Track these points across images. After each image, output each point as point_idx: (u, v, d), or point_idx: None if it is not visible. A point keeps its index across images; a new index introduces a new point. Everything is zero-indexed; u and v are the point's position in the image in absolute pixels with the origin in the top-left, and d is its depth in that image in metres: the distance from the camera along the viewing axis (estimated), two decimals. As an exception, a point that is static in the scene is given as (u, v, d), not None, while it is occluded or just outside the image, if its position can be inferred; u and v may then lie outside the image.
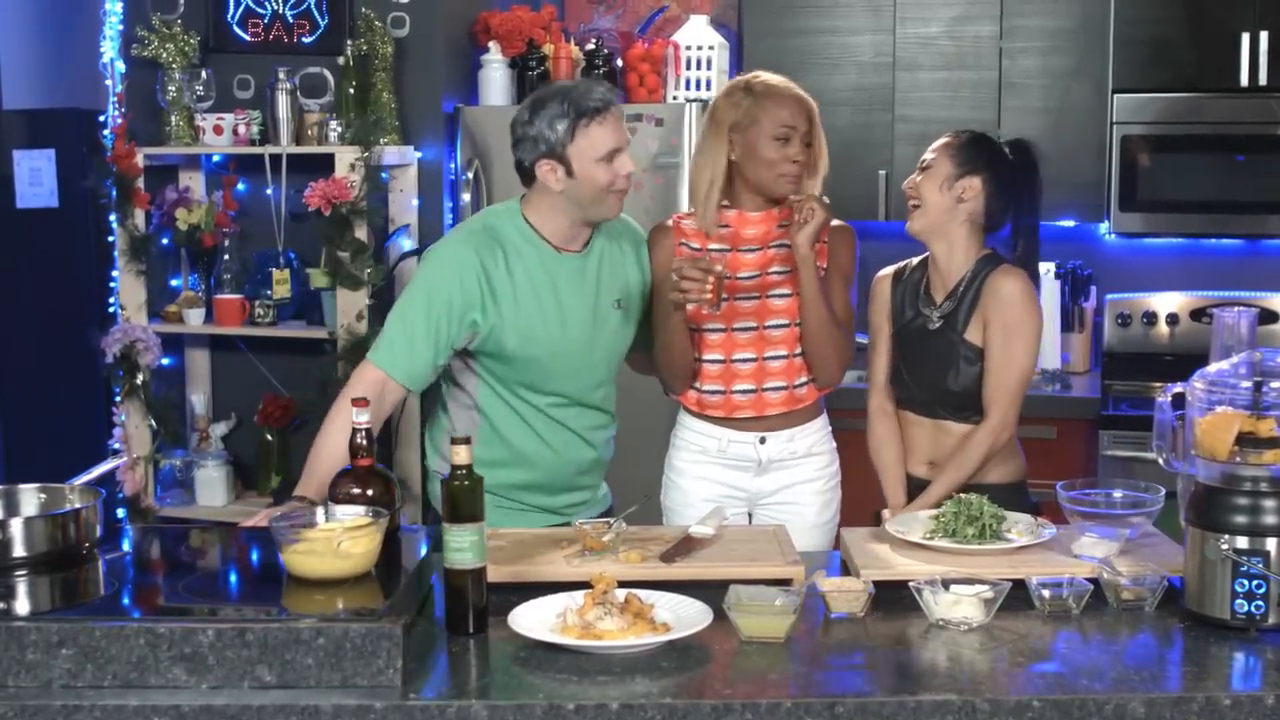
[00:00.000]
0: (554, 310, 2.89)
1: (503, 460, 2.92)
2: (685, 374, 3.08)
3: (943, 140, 2.98)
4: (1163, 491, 2.60)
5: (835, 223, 3.11)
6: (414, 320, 2.83)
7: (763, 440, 3.09)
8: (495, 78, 4.69)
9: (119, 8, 4.61)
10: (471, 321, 2.84)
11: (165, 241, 4.71)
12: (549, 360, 2.90)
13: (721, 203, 3.08)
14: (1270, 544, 2.18)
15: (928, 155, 2.97)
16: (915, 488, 2.97)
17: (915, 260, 3.06)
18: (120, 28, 4.60)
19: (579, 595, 2.24)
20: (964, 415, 2.93)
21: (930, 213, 2.93)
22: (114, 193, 4.58)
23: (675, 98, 4.65)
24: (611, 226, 3.02)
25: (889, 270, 3.09)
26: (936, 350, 2.94)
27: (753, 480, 3.12)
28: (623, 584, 2.27)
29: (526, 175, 2.89)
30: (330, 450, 2.71)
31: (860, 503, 3.18)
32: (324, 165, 4.42)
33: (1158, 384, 2.61)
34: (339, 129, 4.45)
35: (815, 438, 3.15)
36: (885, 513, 2.90)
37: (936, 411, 2.96)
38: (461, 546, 2.19)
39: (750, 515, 3.14)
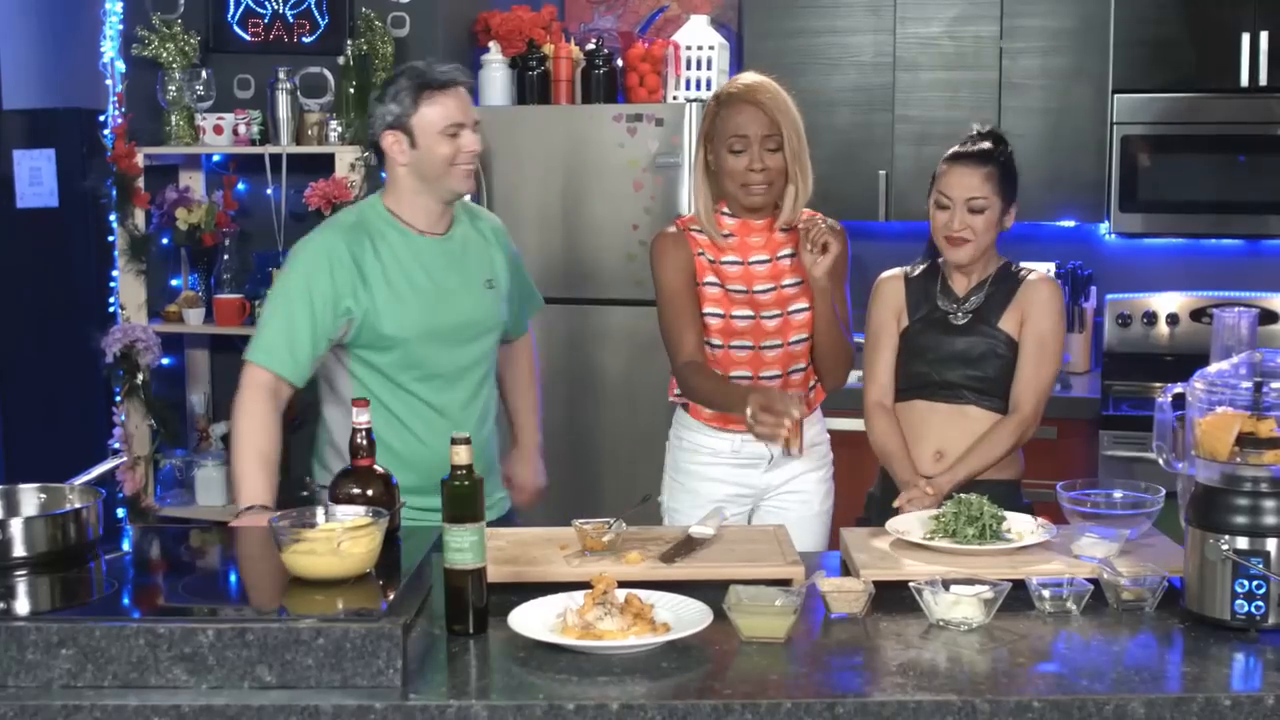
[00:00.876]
0: (425, 290, 2.93)
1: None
2: None
3: (973, 171, 2.91)
4: (1163, 492, 2.60)
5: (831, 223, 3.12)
6: (292, 314, 2.86)
7: None
8: (495, 78, 4.69)
9: (119, 7, 4.61)
10: (346, 309, 2.87)
11: (165, 241, 4.72)
12: (426, 339, 2.92)
13: (722, 210, 3.07)
14: (1270, 544, 2.18)
15: (975, 200, 2.90)
16: None
17: (923, 265, 3.07)
18: (120, 27, 4.61)
19: (579, 595, 2.24)
20: (989, 401, 2.95)
21: (982, 244, 2.95)
22: (114, 192, 4.58)
23: (675, 98, 4.65)
24: (472, 213, 3.10)
25: (896, 272, 3.10)
26: (967, 341, 2.96)
27: (763, 476, 3.12)
28: (623, 584, 2.27)
29: (378, 152, 2.97)
30: (256, 452, 2.80)
31: (850, 501, 3.18)
32: (324, 165, 4.42)
33: (1158, 384, 2.61)
34: (339, 129, 4.45)
35: (817, 428, 3.18)
36: (902, 498, 2.83)
37: (963, 396, 2.96)
38: (461, 547, 2.19)
39: (752, 513, 3.15)
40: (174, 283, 4.85)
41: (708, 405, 3.05)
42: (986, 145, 2.96)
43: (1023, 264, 3.06)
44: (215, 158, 4.74)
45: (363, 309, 2.88)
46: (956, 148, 2.98)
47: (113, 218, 4.62)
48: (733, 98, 2.99)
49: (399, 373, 2.94)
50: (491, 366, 3.10)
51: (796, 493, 3.13)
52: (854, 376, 3.20)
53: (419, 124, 2.89)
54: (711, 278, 3.06)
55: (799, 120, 3.00)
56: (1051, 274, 4.56)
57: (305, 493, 3.11)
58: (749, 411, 2.76)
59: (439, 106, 2.89)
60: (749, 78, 3.04)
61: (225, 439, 4.78)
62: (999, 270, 3.02)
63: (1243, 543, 2.19)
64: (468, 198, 3.11)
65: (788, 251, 3.06)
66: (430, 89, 2.89)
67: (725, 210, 3.07)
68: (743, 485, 3.12)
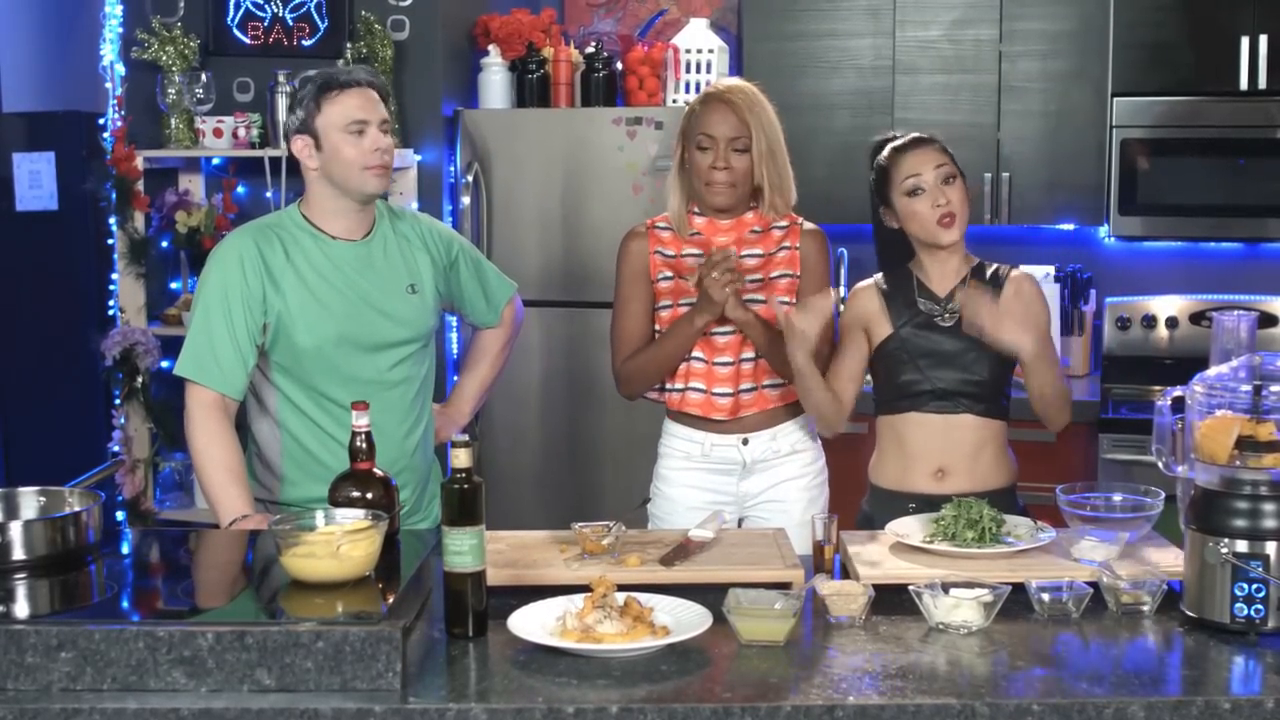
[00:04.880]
0: (340, 296, 2.88)
1: (309, 474, 2.88)
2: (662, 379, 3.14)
3: (928, 147, 2.93)
4: (1162, 495, 2.60)
5: (807, 227, 3.13)
6: (210, 321, 2.82)
7: (745, 442, 3.10)
8: (495, 81, 4.70)
9: (119, 10, 4.61)
10: (262, 310, 2.83)
11: (165, 244, 4.72)
12: (341, 346, 2.87)
13: (693, 209, 3.10)
14: (1270, 548, 2.18)
15: (942, 166, 2.91)
16: (923, 507, 2.84)
17: (893, 272, 3.04)
18: (120, 30, 4.61)
19: (578, 598, 2.24)
20: (983, 407, 2.91)
21: (965, 220, 2.93)
22: (114, 196, 4.58)
23: (675, 101, 4.65)
24: (395, 215, 3.04)
25: (868, 282, 3.05)
26: (957, 342, 2.91)
27: (739, 484, 3.12)
28: (622, 587, 2.27)
29: (294, 160, 2.92)
30: (220, 467, 2.76)
31: (851, 508, 3.16)
32: (324, 168, 4.41)
33: (1157, 387, 2.60)
34: (339, 132, 4.45)
35: (797, 435, 3.16)
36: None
37: (959, 405, 2.90)
38: (461, 550, 2.19)
39: (740, 521, 3.15)
40: (173, 285, 4.85)
41: (664, 362, 3.08)
42: (917, 134, 2.98)
43: (995, 263, 3.01)
44: (215, 161, 4.74)
45: (275, 313, 2.84)
46: (891, 145, 3.00)
47: (112, 221, 4.62)
48: (709, 97, 3.05)
49: (318, 381, 2.88)
50: (419, 375, 3.01)
51: (777, 501, 3.13)
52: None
53: (323, 125, 2.84)
54: (666, 272, 3.10)
55: (774, 124, 3.04)
56: (1050, 277, 4.60)
57: None
58: (699, 281, 2.91)
59: (340, 105, 2.84)
60: (730, 80, 3.12)
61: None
62: (973, 270, 2.98)
63: (1242, 546, 2.19)
64: (414, 203, 3.07)
65: (755, 252, 3.07)
66: (332, 89, 2.85)
67: (695, 210, 3.11)
68: (719, 492, 3.12)
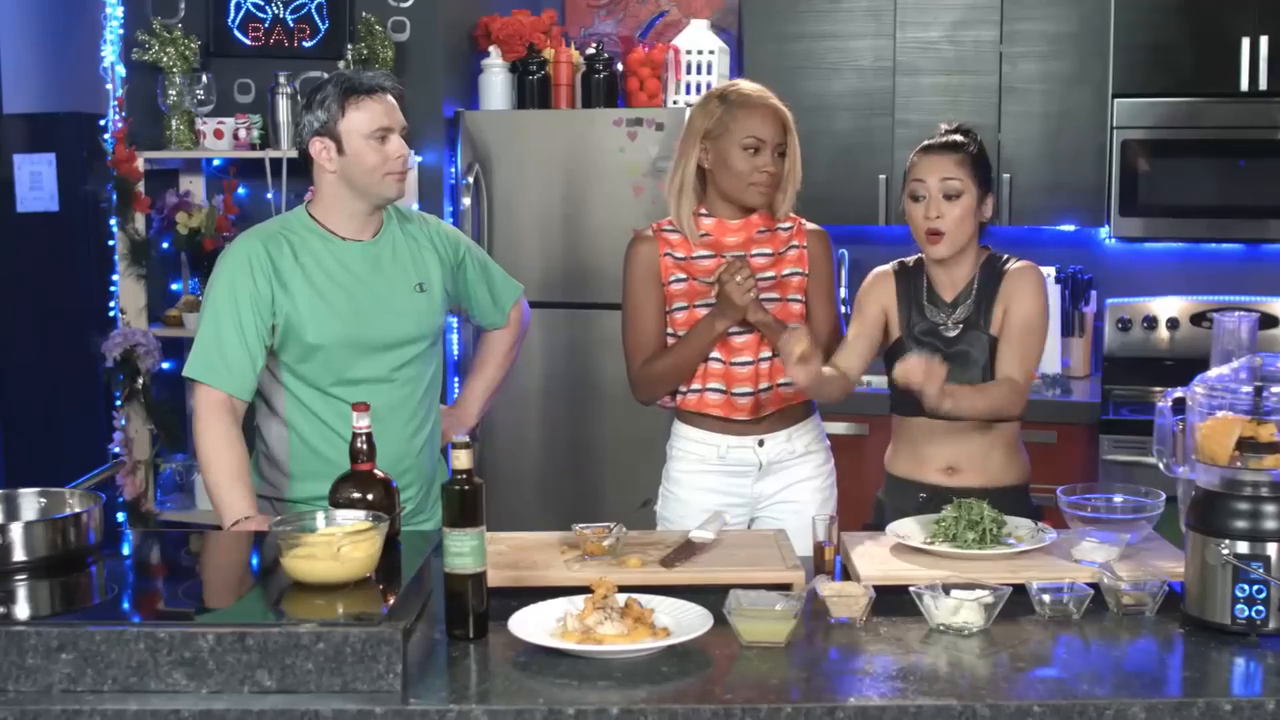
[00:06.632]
0: (348, 295, 2.89)
1: (315, 472, 2.88)
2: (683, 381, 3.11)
3: (945, 156, 2.89)
4: (1163, 496, 2.60)
5: (810, 226, 3.13)
6: (219, 323, 2.83)
7: (761, 443, 3.09)
8: (496, 82, 4.70)
9: (120, 12, 4.61)
10: (271, 312, 2.84)
11: (166, 245, 4.73)
12: (349, 345, 2.88)
13: (700, 211, 3.09)
14: (1271, 549, 2.18)
15: (949, 180, 2.87)
16: (933, 496, 2.87)
17: (911, 260, 3.04)
18: (121, 32, 4.61)
19: (579, 600, 2.24)
20: None
21: (959, 239, 2.89)
22: (114, 197, 4.59)
23: (675, 102, 4.65)
24: (403, 216, 3.05)
25: (888, 267, 3.04)
26: (963, 353, 2.91)
27: (754, 485, 3.12)
28: (623, 588, 2.27)
29: (306, 160, 2.92)
30: (224, 469, 2.77)
31: (855, 507, 3.17)
32: (324, 169, 4.41)
33: (1158, 389, 2.61)
34: (339, 133, 4.45)
35: (811, 435, 3.17)
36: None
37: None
38: (462, 551, 2.19)
39: (751, 522, 3.14)
40: (174, 287, 4.86)
41: (684, 366, 3.07)
42: (956, 137, 2.93)
43: (1007, 255, 2.98)
44: (215, 162, 4.74)
45: (284, 314, 2.85)
46: (925, 142, 2.96)
47: (113, 222, 4.62)
48: (749, 99, 3.02)
49: (326, 380, 2.89)
50: (426, 374, 3.02)
51: (790, 502, 3.12)
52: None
53: (346, 130, 2.84)
54: (679, 274, 3.09)
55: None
56: (1051, 278, 4.59)
57: None
58: (715, 291, 2.96)
59: (365, 112, 2.84)
60: (751, 84, 3.10)
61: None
62: (983, 267, 2.95)
63: (1243, 547, 2.19)
64: (415, 204, 3.05)
65: (765, 251, 3.08)
66: (357, 94, 2.85)
67: (702, 211, 3.10)
68: (733, 494, 3.12)
